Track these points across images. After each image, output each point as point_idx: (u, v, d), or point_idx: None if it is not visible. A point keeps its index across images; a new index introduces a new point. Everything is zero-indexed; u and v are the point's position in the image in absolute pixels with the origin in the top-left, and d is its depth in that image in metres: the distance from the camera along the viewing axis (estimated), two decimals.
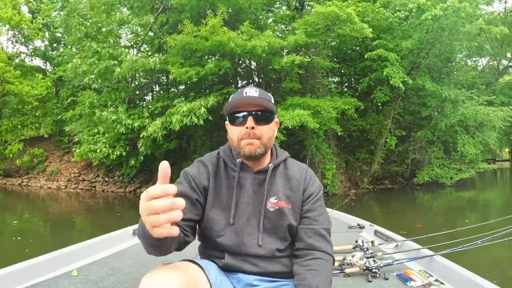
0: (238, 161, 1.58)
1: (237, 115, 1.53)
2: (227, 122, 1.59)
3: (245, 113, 1.51)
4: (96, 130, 14.60)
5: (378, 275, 2.46)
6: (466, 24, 14.03)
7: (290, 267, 1.53)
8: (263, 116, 1.53)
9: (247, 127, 1.49)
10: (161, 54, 14.87)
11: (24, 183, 20.30)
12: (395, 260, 2.64)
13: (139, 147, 13.75)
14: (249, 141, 1.49)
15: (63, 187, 18.96)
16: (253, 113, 1.50)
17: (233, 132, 1.54)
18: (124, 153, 14.45)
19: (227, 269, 1.53)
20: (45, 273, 2.47)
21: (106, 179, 18.44)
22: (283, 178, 1.62)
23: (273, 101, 1.60)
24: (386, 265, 2.56)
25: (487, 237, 2.55)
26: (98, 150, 14.22)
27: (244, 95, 1.54)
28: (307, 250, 1.50)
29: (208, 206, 1.54)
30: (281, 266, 1.53)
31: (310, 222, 1.55)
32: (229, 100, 1.58)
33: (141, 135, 13.22)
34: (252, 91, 1.55)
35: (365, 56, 15.17)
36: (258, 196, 1.55)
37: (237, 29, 13.72)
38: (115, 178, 18.01)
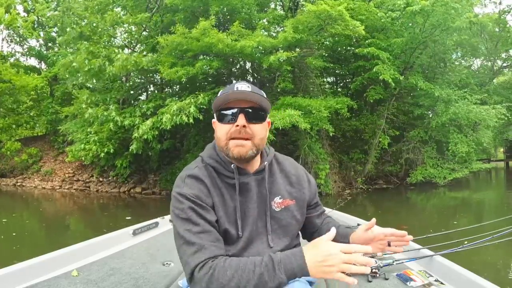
0: (233, 166, 1.43)
1: (226, 112, 1.40)
2: (214, 120, 1.47)
3: (235, 110, 1.38)
4: (89, 129, 14.51)
5: (378, 275, 2.46)
6: (456, 19, 14.11)
7: None
8: (256, 114, 1.40)
9: (237, 125, 1.36)
10: (154, 54, 14.83)
11: (19, 183, 20.18)
12: (395, 260, 2.64)
13: (130, 148, 13.65)
14: (239, 142, 1.37)
15: (58, 187, 18.85)
16: (245, 110, 1.38)
17: (221, 130, 1.41)
18: (112, 151, 14.31)
19: None
20: (45, 273, 2.45)
21: (101, 179, 18.35)
22: (281, 174, 1.57)
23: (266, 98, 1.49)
24: (386, 265, 2.56)
25: (487, 237, 2.57)
26: (88, 149, 14.15)
27: (235, 89, 1.41)
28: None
29: (221, 221, 1.40)
30: None
31: (319, 208, 1.70)
32: (218, 95, 1.47)
33: (133, 136, 13.15)
34: (244, 86, 1.42)
35: (356, 51, 15.24)
36: (261, 197, 1.47)
37: (229, 30, 13.74)
38: (109, 178, 17.93)
